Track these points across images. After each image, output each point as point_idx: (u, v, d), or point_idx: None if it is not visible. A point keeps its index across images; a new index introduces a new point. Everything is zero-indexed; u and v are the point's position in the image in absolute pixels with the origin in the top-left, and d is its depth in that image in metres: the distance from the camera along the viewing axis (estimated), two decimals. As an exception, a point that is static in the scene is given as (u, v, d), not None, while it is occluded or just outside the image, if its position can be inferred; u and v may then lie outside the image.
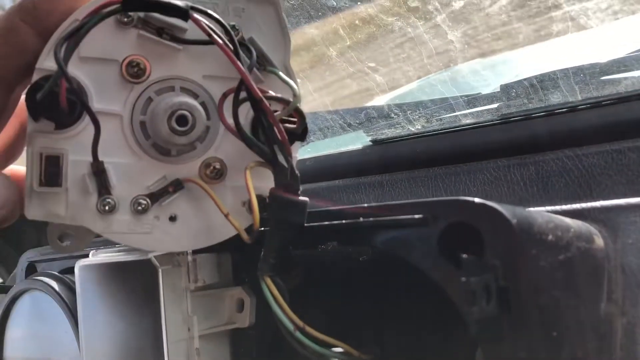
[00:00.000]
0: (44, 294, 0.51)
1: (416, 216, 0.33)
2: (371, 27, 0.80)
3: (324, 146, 0.77)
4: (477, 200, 0.32)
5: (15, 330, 0.55)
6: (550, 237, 0.33)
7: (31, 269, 0.60)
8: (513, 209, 0.32)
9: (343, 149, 0.67)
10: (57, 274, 0.51)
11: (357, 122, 0.72)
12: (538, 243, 0.32)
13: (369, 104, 1.17)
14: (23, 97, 0.37)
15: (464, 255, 0.30)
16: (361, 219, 0.35)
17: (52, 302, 0.50)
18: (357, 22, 0.80)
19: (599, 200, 0.46)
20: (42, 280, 0.50)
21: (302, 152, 0.80)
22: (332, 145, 0.73)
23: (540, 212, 0.35)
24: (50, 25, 0.33)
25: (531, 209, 0.46)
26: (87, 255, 0.45)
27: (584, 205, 0.43)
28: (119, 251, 0.44)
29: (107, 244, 0.48)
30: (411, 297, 0.42)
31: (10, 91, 0.35)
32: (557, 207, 0.44)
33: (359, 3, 0.77)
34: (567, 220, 0.37)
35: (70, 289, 0.50)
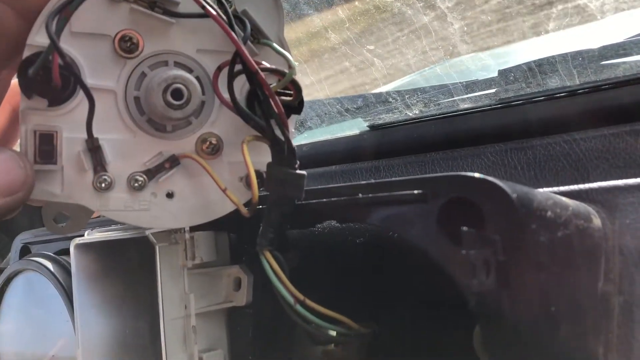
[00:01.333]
0: (39, 275, 0.50)
1: (415, 192, 0.33)
2: (374, 15, 0.80)
3: (321, 132, 0.76)
4: (477, 175, 0.32)
5: (8, 310, 0.55)
6: (549, 213, 0.33)
7: (25, 251, 0.59)
8: (513, 185, 0.32)
9: (340, 134, 0.67)
10: (52, 254, 0.51)
11: (355, 107, 0.71)
12: (538, 218, 0.32)
13: (371, 92, 1.17)
14: (13, 81, 0.37)
15: (464, 228, 0.30)
16: (360, 195, 0.35)
17: (46, 282, 0.50)
18: (358, 8, 0.79)
19: (595, 181, 0.46)
20: (36, 261, 0.50)
21: (299, 139, 0.79)
22: (329, 132, 0.72)
23: (540, 191, 0.35)
24: (31, 4, 0.33)
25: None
26: (82, 235, 0.45)
27: (581, 186, 0.43)
28: (114, 230, 0.43)
29: (102, 224, 0.48)
30: (408, 275, 0.42)
31: None
32: (555, 189, 0.44)
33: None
34: (566, 200, 0.37)
35: (65, 269, 0.50)
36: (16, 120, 0.41)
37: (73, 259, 0.43)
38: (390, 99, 0.66)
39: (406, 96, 0.64)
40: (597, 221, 0.38)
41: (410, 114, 0.62)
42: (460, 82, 0.62)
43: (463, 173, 0.32)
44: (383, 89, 1.13)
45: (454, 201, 0.33)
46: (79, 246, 0.43)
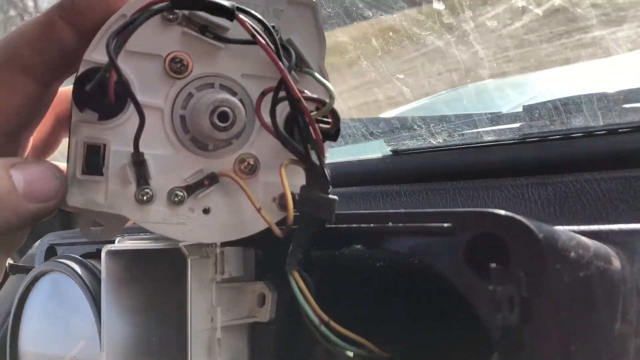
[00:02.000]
0: (66, 277, 0.52)
1: (445, 225, 0.34)
2: (401, 36, 0.82)
3: (343, 153, 0.78)
4: (503, 212, 0.33)
5: (33, 310, 0.56)
6: (572, 254, 0.34)
7: (51, 252, 0.61)
8: (539, 224, 0.33)
9: (363, 156, 0.69)
10: (79, 257, 0.52)
11: (379, 131, 0.73)
12: (562, 259, 0.33)
13: (393, 111, 1.19)
14: (60, 90, 0.39)
15: (493, 265, 0.31)
16: (390, 224, 0.36)
17: (73, 285, 0.51)
18: (387, 30, 0.81)
19: (614, 223, 0.47)
20: (64, 263, 0.52)
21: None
22: (352, 153, 0.74)
23: (563, 230, 0.36)
24: (87, 23, 0.34)
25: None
26: (111, 242, 0.46)
27: (601, 227, 0.44)
28: (144, 239, 0.45)
29: (131, 232, 0.49)
30: (430, 302, 0.43)
31: (47, 85, 0.36)
32: (575, 227, 0.45)
33: (393, 15, 0.79)
34: (587, 240, 0.38)
35: (93, 273, 0.51)
36: (59, 127, 0.43)
37: (104, 264, 0.45)
38: (416, 126, 0.67)
39: (431, 124, 0.65)
40: (616, 263, 0.39)
41: (434, 142, 0.63)
42: (485, 115, 0.64)
43: (491, 210, 0.34)
44: (402, 109, 1.15)
45: (480, 235, 0.34)
46: (110, 252, 0.44)
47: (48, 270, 0.54)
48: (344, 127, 0.77)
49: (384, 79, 0.82)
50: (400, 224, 0.36)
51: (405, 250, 0.37)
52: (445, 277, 0.35)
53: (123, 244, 0.45)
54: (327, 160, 0.73)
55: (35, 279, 0.55)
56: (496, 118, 0.64)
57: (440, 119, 0.68)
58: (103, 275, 0.45)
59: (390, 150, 0.65)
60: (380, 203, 0.64)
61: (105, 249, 0.45)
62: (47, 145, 0.42)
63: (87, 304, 0.50)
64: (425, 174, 0.62)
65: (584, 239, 0.38)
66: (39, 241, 0.64)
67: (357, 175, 0.68)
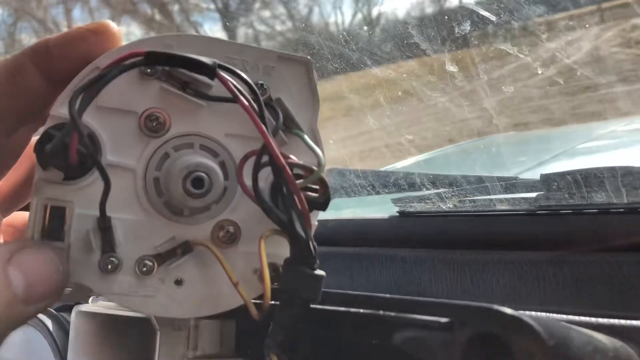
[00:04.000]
0: (37, 332, 0.48)
1: (442, 320, 0.30)
2: (405, 85, 0.79)
3: (346, 205, 0.74)
4: (510, 311, 0.29)
5: (2, 364, 0.53)
6: (587, 362, 0.30)
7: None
8: (550, 325, 0.29)
9: (368, 215, 0.65)
10: (54, 312, 0.49)
11: (385, 190, 0.69)
12: (575, 370, 0.28)
13: (398, 163, 1.15)
14: (34, 138, 0.36)
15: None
16: (381, 312, 0.32)
17: (43, 340, 0.48)
18: (391, 77, 0.78)
19: (637, 314, 0.43)
20: (37, 317, 0.48)
21: (324, 212, 0.77)
22: (355, 206, 0.70)
23: (579, 331, 0.32)
24: (61, 71, 0.32)
25: (563, 316, 0.43)
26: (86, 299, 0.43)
27: (623, 322, 0.39)
28: (119, 302, 0.41)
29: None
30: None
31: (9, 133, 0.33)
32: (593, 320, 0.41)
33: (397, 63, 0.76)
34: (606, 341, 0.34)
35: (64, 329, 0.48)
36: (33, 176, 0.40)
37: (73, 325, 0.41)
38: (424, 189, 0.63)
39: (441, 188, 0.61)
40: (638, 368, 0.35)
41: (444, 207, 0.59)
42: (498, 181, 0.60)
43: (495, 307, 0.29)
44: (409, 161, 1.11)
45: (482, 335, 0.30)
46: (80, 314, 0.41)
47: (20, 323, 0.51)
48: (348, 180, 0.73)
49: (389, 129, 0.79)
50: (392, 313, 0.32)
51: (397, 342, 0.32)
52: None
53: (96, 304, 0.42)
54: (330, 216, 0.70)
55: (7, 331, 0.52)
56: (510, 186, 0.60)
57: (451, 182, 0.64)
58: (71, 337, 0.41)
59: (397, 212, 0.62)
60: (384, 269, 0.60)
61: (76, 309, 0.42)
62: (19, 196, 0.39)
63: (55, 365, 0.46)
64: (434, 240, 0.58)
65: (602, 339, 0.34)
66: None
67: (361, 235, 0.64)
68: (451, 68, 0.76)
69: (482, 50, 0.80)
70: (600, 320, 0.40)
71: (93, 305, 0.42)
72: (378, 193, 0.70)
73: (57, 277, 0.30)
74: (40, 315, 0.49)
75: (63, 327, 0.48)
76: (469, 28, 0.73)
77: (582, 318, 0.40)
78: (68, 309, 0.51)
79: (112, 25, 0.33)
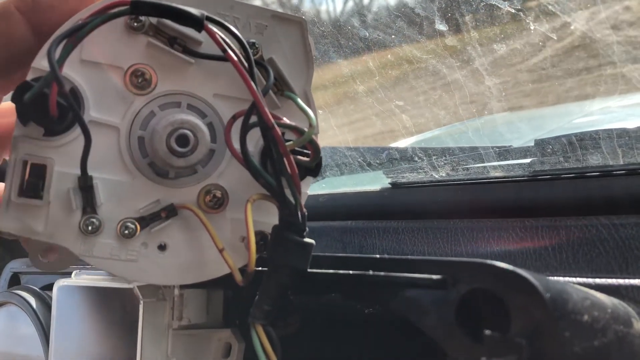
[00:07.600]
0: (20, 310, 0.47)
1: (434, 277, 0.29)
2: (404, 65, 0.77)
3: (340, 183, 0.73)
4: (504, 265, 0.28)
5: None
6: (585, 317, 0.29)
7: (15, 280, 0.56)
8: (546, 280, 0.28)
9: (360, 188, 0.63)
10: (37, 289, 0.48)
11: (378, 162, 0.68)
12: (572, 324, 0.27)
13: (393, 144, 1.14)
14: (6, 102, 0.34)
15: (487, 332, 0.26)
16: (370, 272, 0.31)
17: (27, 319, 0.47)
18: (389, 57, 0.77)
19: (636, 276, 0.42)
20: (20, 295, 0.47)
21: (316, 187, 0.76)
22: (348, 183, 0.69)
23: (576, 287, 0.31)
24: (47, 21, 0.30)
25: (560, 278, 0.42)
26: (70, 274, 0.41)
27: (622, 281, 0.38)
28: (103, 274, 0.40)
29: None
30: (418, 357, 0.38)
31: None
32: (591, 280, 0.40)
33: (392, 37, 0.74)
34: (604, 299, 0.33)
35: (49, 307, 0.47)
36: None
37: (55, 300, 0.40)
38: (416, 158, 0.62)
39: (433, 157, 0.60)
40: (637, 325, 0.34)
41: (437, 176, 0.58)
42: (492, 148, 0.58)
43: (489, 261, 0.28)
44: (408, 141, 1.10)
45: (476, 292, 0.29)
46: (62, 288, 0.40)
47: (3, 303, 0.49)
48: (340, 157, 0.72)
49: (387, 111, 0.78)
50: (382, 273, 0.30)
51: (388, 304, 0.31)
52: (434, 338, 0.29)
53: (78, 278, 0.40)
54: (323, 191, 0.69)
55: (-9, 310, 0.50)
56: (504, 152, 0.59)
57: (443, 151, 0.63)
58: (53, 312, 0.40)
59: (389, 183, 0.60)
60: (377, 240, 0.58)
61: (58, 283, 0.40)
62: None
63: (39, 341, 0.45)
64: (426, 210, 0.57)
65: (600, 296, 0.33)
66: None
67: (353, 208, 0.63)
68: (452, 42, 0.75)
69: (473, 35, 0.79)
70: (599, 280, 0.39)
71: (75, 279, 0.40)
72: (371, 168, 0.68)
73: None
74: (24, 294, 0.47)
75: (48, 305, 0.47)
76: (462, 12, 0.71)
77: (580, 279, 0.39)
78: (52, 287, 0.50)
79: None
